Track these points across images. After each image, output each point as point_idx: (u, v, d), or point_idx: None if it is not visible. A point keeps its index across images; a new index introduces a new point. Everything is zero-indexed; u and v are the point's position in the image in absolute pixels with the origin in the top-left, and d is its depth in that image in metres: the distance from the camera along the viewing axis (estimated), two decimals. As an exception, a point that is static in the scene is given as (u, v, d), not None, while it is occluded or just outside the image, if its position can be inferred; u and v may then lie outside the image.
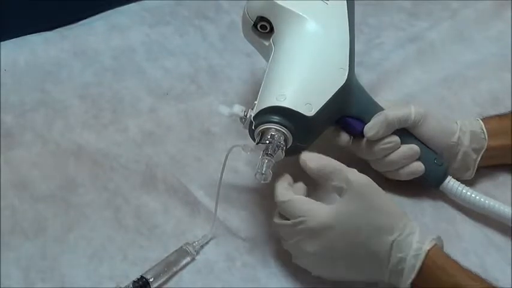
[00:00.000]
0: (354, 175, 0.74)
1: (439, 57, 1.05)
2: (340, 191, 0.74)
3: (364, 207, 0.72)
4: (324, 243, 0.74)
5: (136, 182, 0.88)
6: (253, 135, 0.79)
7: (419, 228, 0.73)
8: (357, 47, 0.87)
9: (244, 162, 0.87)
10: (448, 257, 0.73)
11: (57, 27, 1.06)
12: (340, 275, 0.76)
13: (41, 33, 1.05)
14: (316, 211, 0.74)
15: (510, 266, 0.80)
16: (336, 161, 0.76)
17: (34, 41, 1.03)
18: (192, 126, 0.95)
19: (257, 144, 0.77)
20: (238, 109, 0.80)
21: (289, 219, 0.75)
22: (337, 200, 0.74)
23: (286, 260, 0.78)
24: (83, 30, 1.06)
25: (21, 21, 1.04)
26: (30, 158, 0.89)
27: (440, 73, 1.03)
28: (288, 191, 0.76)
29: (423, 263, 0.71)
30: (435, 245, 0.72)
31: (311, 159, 0.76)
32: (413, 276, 0.72)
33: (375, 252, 0.73)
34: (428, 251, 0.71)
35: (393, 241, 0.72)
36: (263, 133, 0.77)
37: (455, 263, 0.72)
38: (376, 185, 0.74)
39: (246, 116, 0.80)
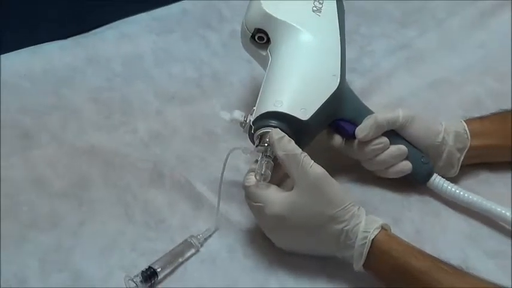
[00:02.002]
0: (310, 166, 0.75)
1: (427, 64, 1.07)
2: (296, 179, 0.75)
3: (316, 199, 0.74)
4: (280, 227, 0.77)
5: (144, 179, 0.89)
6: (253, 139, 0.81)
7: (365, 217, 0.75)
8: (350, 55, 0.89)
9: (245, 161, 0.88)
10: (394, 240, 0.75)
11: (71, 36, 1.08)
12: (298, 251, 0.80)
13: (57, 41, 1.07)
14: (273, 200, 0.76)
15: (491, 258, 0.81)
16: (298, 148, 0.76)
17: (50, 48, 1.05)
18: (196, 127, 0.97)
19: (256, 146, 0.79)
20: (238, 114, 0.83)
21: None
22: (293, 188, 0.76)
23: (284, 251, 0.80)
24: (95, 39, 1.08)
25: (39, 30, 1.05)
26: (47, 157, 0.91)
27: (427, 78, 1.04)
28: (252, 176, 0.77)
29: (370, 250, 0.74)
30: (380, 231, 0.74)
31: (282, 145, 0.76)
32: (362, 262, 0.74)
33: (326, 237, 0.75)
34: (374, 238, 0.74)
35: (341, 229, 0.74)
36: (262, 136, 0.79)
37: (402, 244, 0.74)
38: (330, 177, 0.75)
39: (245, 120, 0.82)
